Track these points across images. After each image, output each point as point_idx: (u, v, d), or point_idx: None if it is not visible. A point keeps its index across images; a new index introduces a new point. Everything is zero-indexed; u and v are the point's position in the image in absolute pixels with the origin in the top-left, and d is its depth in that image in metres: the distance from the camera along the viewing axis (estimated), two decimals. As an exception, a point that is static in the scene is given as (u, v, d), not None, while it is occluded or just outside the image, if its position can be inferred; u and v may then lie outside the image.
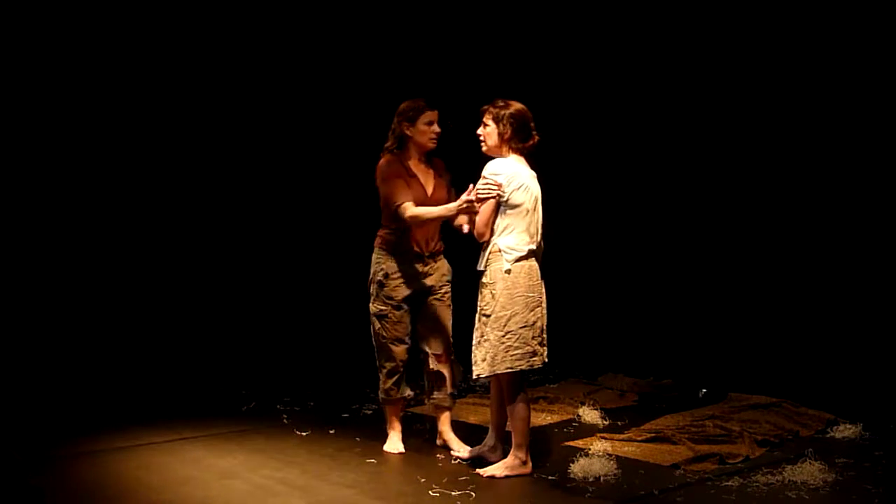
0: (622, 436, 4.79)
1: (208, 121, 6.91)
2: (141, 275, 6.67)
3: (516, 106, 4.11)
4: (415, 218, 4.31)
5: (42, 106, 6.21)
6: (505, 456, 4.18)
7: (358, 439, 4.83)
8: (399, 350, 4.51)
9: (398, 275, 4.45)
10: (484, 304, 4.07)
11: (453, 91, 5.48)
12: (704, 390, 5.93)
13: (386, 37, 7.31)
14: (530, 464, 4.12)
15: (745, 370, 6.20)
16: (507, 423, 4.21)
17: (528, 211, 4.05)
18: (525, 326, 3.98)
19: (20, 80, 6.09)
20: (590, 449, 4.38)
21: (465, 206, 4.07)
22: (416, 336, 4.59)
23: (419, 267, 4.48)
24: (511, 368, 3.98)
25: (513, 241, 4.02)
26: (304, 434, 4.97)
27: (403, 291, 4.46)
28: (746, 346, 6.39)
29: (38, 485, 3.98)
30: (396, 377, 4.54)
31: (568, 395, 5.93)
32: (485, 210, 4.04)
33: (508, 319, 3.97)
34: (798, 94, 6.20)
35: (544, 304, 4.11)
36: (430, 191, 4.45)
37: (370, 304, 4.53)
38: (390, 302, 4.46)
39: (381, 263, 4.48)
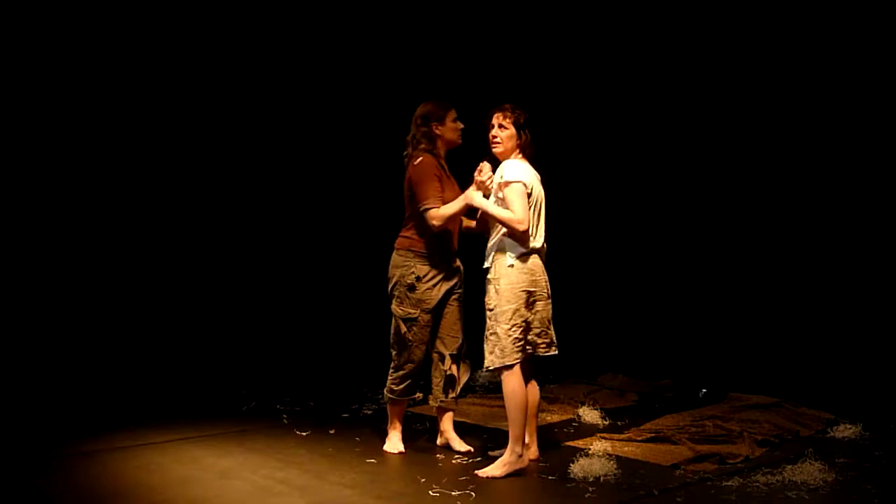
0: (622, 436, 4.79)
1: (211, 122, 6.92)
2: (142, 275, 6.68)
3: (526, 115, 4.26)
4: (442, 219, 4.29)
5: (42, 106, 6.21)
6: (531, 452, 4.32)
7: (358, 439, 4.83)
8: (420, 352, 4.47)
9: (429, 278, 4.40)
10: (489, 299, 4.19)
11: (460, 92, 5.49)
12: (704, 390, 5.93)
13: (398, 40, 7.32)
14: (526, 456, 4.16)
15: (745, 370, 6.20)
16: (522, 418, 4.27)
17: (534, 211, 4.18)
18: (525, 319, 4.10)
19: (20, 80, 6.09)
20: (590, 449, 4.38)
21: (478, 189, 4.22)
22: (432, 336, 4.53)
23: (446, 268, 4.46)
24: (518, 360, 4.08)
25: (518, 238, 4.12)
26: (304, 434, 4.97)
27: (436, 295, 4.42)
28: (746, 346, 6.39)
29: (38, 484, 3.98)
30: (410, 379, 4.52)
31: (568, 395, 5.93)
32: (523, 205, 4.08)
33: (513, 313, 4.08)
34: (797, 94, 6.20)
35: (547, 298, 4.22)
36: (457, 190, 4.45)
37: (395, 307, 4.46)
38: (422, 306, 4.40)
39: (411, 266, 4.41)
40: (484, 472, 4.09)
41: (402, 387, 4.53)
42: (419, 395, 4.65)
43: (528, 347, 4.15)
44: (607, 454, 4.29)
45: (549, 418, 5.32)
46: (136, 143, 6.64)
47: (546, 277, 4.22)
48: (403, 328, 4.43)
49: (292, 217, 7.29)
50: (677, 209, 6.98)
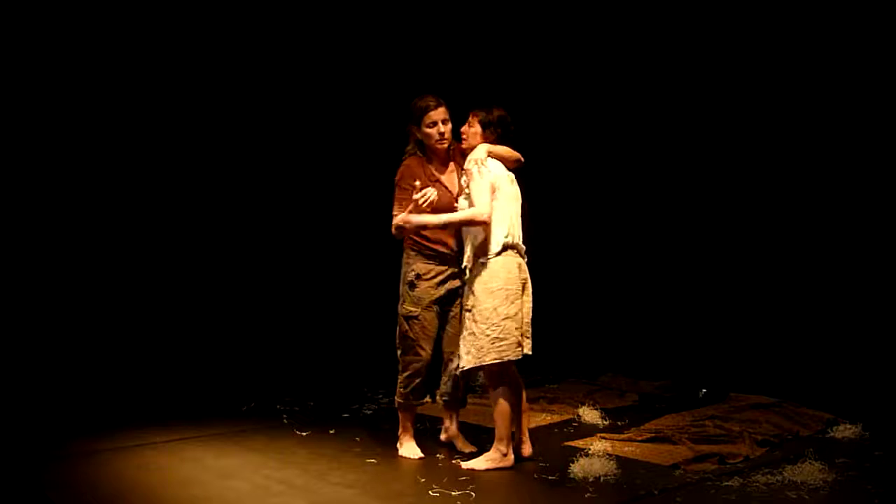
0: (622, 436, 4.79)
1: (211, 121, 6.91)
2: (141, 275, 6.67)
3: (500, 113, 4.31)
4: (394, 227, 4.28)
5: (42, 106, 6.21)
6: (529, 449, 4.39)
7: (358, 439, 4.83)
8: (425, 352, 4.42)
9: (431, 276, 4.38)
10: (465, 298, 4.25)
11: (458, 89, 5.48)
12: (704, 390, 5.93)
13: (397, 37, 7.32)
14: (512, 456, 4.20)
15: (745, 370, 6.20)
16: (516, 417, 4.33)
17: (505, 209, 4.19)
18: (507, 318, 4.11)
19: (20, 80, 6.09)
20: (590, 449, 4.38)
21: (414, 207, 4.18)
22: (440, 337, 4.50)
23: (450, 268, 4.43)
24: (498, 359, 4.10)
25: (491, 238, 4.17)
26: (304, 434, 4.97)
27: (434, 293, 4.39)
28: (746, 346, 6.39)
29: (39, 484, 3.98)
30: (418, 381, 4.43)
31: (568, 395, 5.94)
32: (486, 197, 4.13)
33: (491, 312, 4.11)
34: (797, 93, 6.20)
35: (526, 298, 4.22)
36: (455, 191, 4.42)
37: (399, 306, 4.45)
38: (422, 304, 4.38)
39: (412, 265, 4.41)
40: (467, 465, 4.20)
41: (409, 389, 4.44)
42: (428, 400, 4.58)
43: (517, 348, 4.13)
44: (607, 454, 4.29)
45: (549, 418, 5.32)
46: (135, 143, 6.63)
47: (524, 275, 4.23)
48: (405, 326, 4.41)
49: (292, 217, 7.28)
50: (677, 210, 6.97)
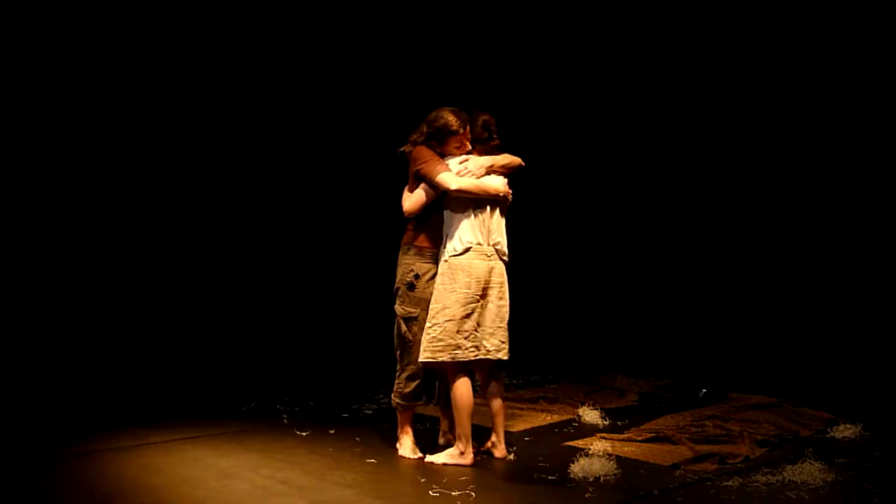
0: (622, 436, 4.79)
1: (211, 123, 6.91)
2: (142, 275, 6.67)
3: (483, 117, 4.38)
4: (460, 190, 4.17)
5: (42, 106, 6.21)
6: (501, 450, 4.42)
7: (358, 439, 4.83)
8: None
9: (431, 276, 4.35)
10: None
11: (452, 91, 5.50)
12: (704, 390, 5.93)
13: (401, 39, 7.33)
14: (471, 455, 4.23)
15: (745, 370, 6.21)
16: (497, 417, 4.38)
17: (473, 208, 4.24)
18: (451, 321, 4.16)
19: (20, 80, 6.09)
20: (590, 449, 4.38)
21: None
22: None
23: None
24: (432, 359, 4.17)
25: (455, 237, 4.23)
26: (304, 434, 4.97)
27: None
28: (746, 346, 6.40)
29: (38, 484, 3.98)
30: (417, 382, 4.40)
31: (568, 395, 5.94)
32: (412, 199, 4.30)
33: (438, 312, 4.19)
34: (794, 93, 6.20)
35: (491, 301, 4.22)
36: None
37: (397, 306, 4.41)
38: (423, 305, 4.34)
39: (411, 264, 4.37)
40: (429, 458, 4.31)
41: (409, 390, 4.41)
42: (424, 401, 4.57)
43: (455, 350, 4.16)
44: (607, 454, 4.29)
45: (549, 418, 5.33)
46: (135, 143, 6.63)
47: (496, 278, 4.24)
48: (404, 328, 4.38)
49: (292, 217, 7.29)
50: (677, 210, 6.98)
